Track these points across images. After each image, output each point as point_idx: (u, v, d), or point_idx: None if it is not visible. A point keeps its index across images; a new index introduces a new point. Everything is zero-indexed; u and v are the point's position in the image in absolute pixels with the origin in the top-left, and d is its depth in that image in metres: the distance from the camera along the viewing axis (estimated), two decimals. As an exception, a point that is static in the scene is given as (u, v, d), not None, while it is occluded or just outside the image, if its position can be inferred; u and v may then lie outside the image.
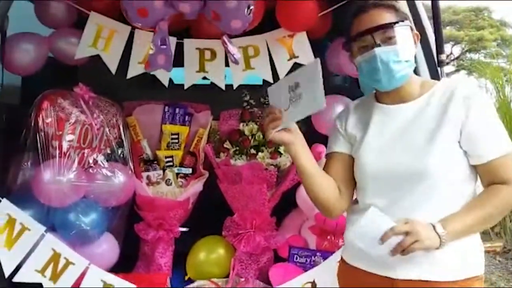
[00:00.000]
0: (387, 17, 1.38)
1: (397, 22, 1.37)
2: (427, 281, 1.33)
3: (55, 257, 1.97)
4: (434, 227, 1.28)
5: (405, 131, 1.40)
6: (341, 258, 1.53)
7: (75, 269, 1.98)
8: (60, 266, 1.98)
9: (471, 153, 1.36)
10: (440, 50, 1.98)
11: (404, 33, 1.39)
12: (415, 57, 1.92)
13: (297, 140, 1.40)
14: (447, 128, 1.35)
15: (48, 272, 1.97)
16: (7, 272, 1.93)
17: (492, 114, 1.39)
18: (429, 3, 2.09)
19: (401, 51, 1.36)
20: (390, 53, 1.36)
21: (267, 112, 1.40)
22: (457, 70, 22.74)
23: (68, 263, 1.97)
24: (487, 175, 1.37)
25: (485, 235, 5.23)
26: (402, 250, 1.25)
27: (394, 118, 1.44)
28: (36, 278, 1.97)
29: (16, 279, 1.96)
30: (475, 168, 1.38)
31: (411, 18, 1.50)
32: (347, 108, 1.57)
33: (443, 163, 1.34)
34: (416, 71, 1.95)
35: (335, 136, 1.55)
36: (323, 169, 1.55)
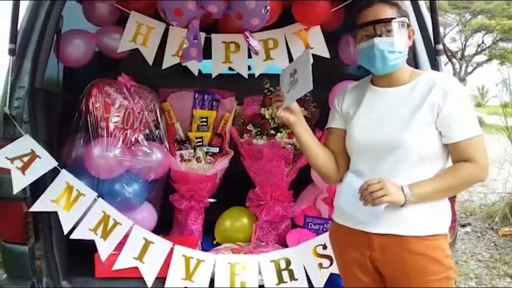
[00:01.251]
0: (389, 12, 1.59)
1: (396, 18, 1.58)
2: (396, 235, 1.55)
3: (105, 218, 2.23)
4: (402, 188, 1.51)
5: (390, 110, 1.62)
6: (332, 219, 1.78)
7: (122, 228, 2.24)
8: (109, 225, 2.23)
9: (444, 133, 1.56)
10: (437, 40, 2.17)
11: (401, 28, 1.60)
12: (416, 47, 2.21)
13: (298, 121, 1.70)
14: (426, 110, 1.55)
15: (99, 230, 2.22)
16: (65, 230, 2.18)
17: (465, 102, 1.59)
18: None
19: (396, 43, 1.57)
20: (387, 43, 1.57)
21: (273, 95, 1.70)
22: (489, 59, 22.13)
23: (116, 223, 2.23)
24: (455, 153, 1.58)
25: (505, 220, 5.37)
26: (372, 200, 1.48)
27: (383, 99, 1.65)
28: (89, 236, 2.22)
29: (73, 236, 2.20)
30: (447, 148, 1.59)
31: (410, 16, 1.70)
32: (345, 89, 1.81)
33: (417, 138, 1.54)
34: (416, 60, 2.20)
35: (333, 113, 1.80)
36: (324, 142, 1.82)
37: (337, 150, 1.75)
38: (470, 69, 23.09)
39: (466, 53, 22.95)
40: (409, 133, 1.54)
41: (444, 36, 22.59)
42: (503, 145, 5.94)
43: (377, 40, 1.57)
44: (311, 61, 1.67)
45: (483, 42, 22.38)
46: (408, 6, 2.20)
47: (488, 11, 21.17)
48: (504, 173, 5.75)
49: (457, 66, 22.87)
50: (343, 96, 1.80)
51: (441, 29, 21.77)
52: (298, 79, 1.62)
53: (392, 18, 1.58)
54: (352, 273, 1.69)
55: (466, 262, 4.25)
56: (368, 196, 1.49)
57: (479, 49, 22.58)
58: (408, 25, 1.65)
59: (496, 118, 6.13)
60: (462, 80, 22.95)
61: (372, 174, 1.58)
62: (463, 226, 5.35)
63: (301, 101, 2.77)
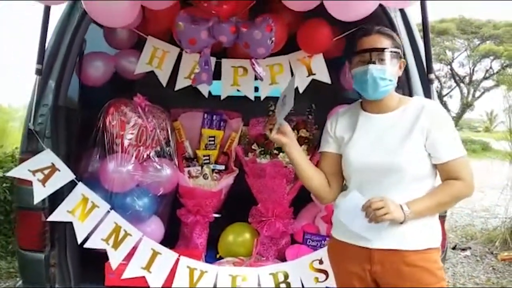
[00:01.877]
0: (384, 43, 1.73)
1: (389, 48, 1.72)
2: (395, 249, 1.69)
3: (117, 229, 2.36)
4: (401, 206, 1.63)
5: (384, 135, 1.75)
6: (331, 235, 1.91)
7: (132, 239, 2.37)
8: (120, 236, 2.36)
9: (432, 155, 1.71)
10: (429, 70, 2.32)
11: (393, 58, 1.74)
12: (410, 76, 2.36)
13: (291, 142, 1.85)
14: (416, 134, 1.69)
15: (111, 240, 2.34)
16: (79, 240, 2.30)
17: (450, 126, 1.74)
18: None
19: (388, 71, 1.71)
20: (380, 71, 1.70)
21: (267, 120, 1.85)
22: (496, 85, 22.15)
23: (126, 234, 2.36)
24: (444, 172, 1.72)
25: (505, 245, 5.43)
26: (376, 218, 1.59)
27: (376, 124, 1.79)
28: (101, 245, 2.34)
29: (86, 245, 2.32)
30: (435, 167, 1.74)
31: (402, 48, 1.83)
32: (337, 114, 1.95)
33: (411, 161, 1.69)
34: (410, 88, 2.35)
35: (325, 137, 1.94)
36: (317, 165, 1.96)
37: (330, 172, 1.88)
38: (478, 94, 23.13)
39: (474, 78, 23.02)
40: (403, 156, 1.68)
41: (453, 61, 22.73)
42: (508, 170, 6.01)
43: (371, 66, 1.71)
44: (295, 86, 1.84)
45: (491, 68, 22.45)
46: (404, 38, 2.38)
47: (496, 37, 21.33)
48: (507, 199, 5.82)
49: (465, 90, 22.93)
50: (335, 121, 1.92)
51: (450, 54, 22.07)
52: (286, 101, 1.78)
53: (386, 48, 1.72)
54: (351, 286, 1.81)
55: (463, 285, 4.33)
56: (372, 213, 1.61)
57: (487, 74, 22.64)
58: (400, 57, 1.79)
59: (504, 144, 6.22)
60: (470, 105, 22.98)
61: (369, 195, 1.69)
62: (463, 250, 5.41)
63: (303, 123, 2.94)
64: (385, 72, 1.71)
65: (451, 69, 22.96)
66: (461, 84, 23.07)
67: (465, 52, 22.61)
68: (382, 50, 1.72)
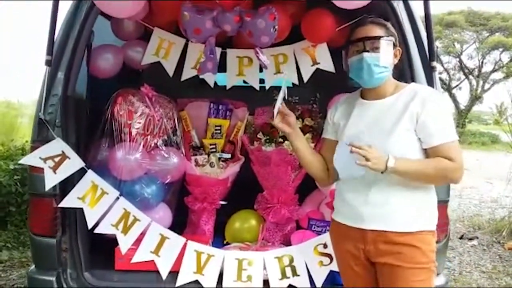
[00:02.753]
0: (378, 31, 1.79)
1: (383, 37, 1.78)
2: (387, 231, 1.74)
3: (126, 215, 2.42)
4: (388, 158, 1.65)
5: (376, 120, 1.80)
6: (332, 218, 1.98)
7: (140, 225, 2.43)
8: (129, 222, 2.42)
9: (422, 139, 1.73)
10: (432, 58, 2.34)
11: (387, 46, 1.78)
12: (413, 64, 2.38)
13: (294, 132, 1.95)
14: (406, 119, 1.73)
15: (120, 226, 2.41)
16: (90, 225, 2.36)
17: (442, 110, 1.76)
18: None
19: (382, 59, 1.77)
20: (374, 58, 1.76)
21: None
22: (506, 77, 21.98)
23: (135, 219, 2.43)
24: (434, 156, 1.73)
25: (511, 235, 5.45)
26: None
27: (370, 110, 1.85)
28: (111, 230, 2.41)
29: (97, 230, 2.39)
30: (425, 152, 1.75)
31: (396, 37, 1.86)
32: (337, 102, 2.02)
33: (400, 144, 1.71)
34: (413, 76, 2.37)
35: (326, 124, 2.03)
36: (319, 150, 2.05)
37: (329, 158, 1.92)
38: (487, 86, 22.94)
39: (483, 70, 22.83)
40: (392, 140, 1.72)
41: (461, 53, 22.55)
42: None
43: (366, 54, 1.76)
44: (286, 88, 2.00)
45: (500, 60, 22.25)
46: (406, 26, 2.41)
47: (505, 29, 21.14)
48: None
49: (474, 83, 22.76)
50: (335, 109, 2.00)
51: (458, 46, 21.90)
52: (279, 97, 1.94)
53: (380, 37, 1.78)
54: (347, 264, 1.90)
55: (469, 273, 4.36)
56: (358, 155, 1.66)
57: (496, 67, 22.44)
58: (395, 45, 1.83)
59: (512, 137, 6.22)
60: (479, 97, 22.81)
61: (368, 174, 1.74)
62: (470, 239, 5.44)
63: (308, 112, 2.99)
64: (379, 59, 1.77)
65: (460, 62, 22.79)
66: (470, 77, 22.89)
67: (474, 45, 22.43)
68: (375, 38, 1.77)
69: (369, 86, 1.84)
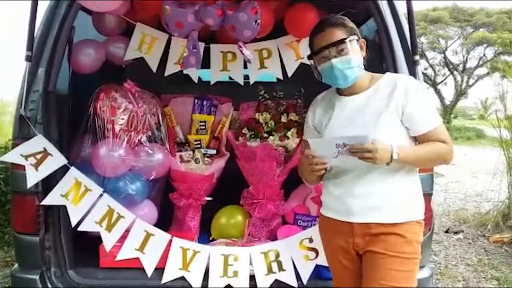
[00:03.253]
0: (338, 34, 1.75)
1: (346, 38, 1.73)
2: (375, 223, 1.74)
3: (110, 212, 2.40)
4: (392, 152, 1.64)
5: (357, 115, 1.78)
6: (320, 213, 1.97)
7: (125, 222, 2.40)
8: (114, 219, 2.39)
9: (410, 128, 1.75)
10: (414, 51, 2.33)
11: (352, 45, 1.75)
12: (396, 59, 2.37)
13: None
14: (391, 109, 1.73)
15: (104, 223, 2.38)
16: (73, 223, 2.33)
17: (425, 98, 1.79)
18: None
19: (352, 59, 1.74)
20: (344, 62, 1.73)
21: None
22: (489, 73, 22.24)
23: (119, 216, 2.40)
24: (425, 142, 1.75)
25: (497, 228, 5.50)
26: (362, 158, 1.62)
27: (350, 106, 1.82)
28: (95, 228, 2.38)
29: (80, 228, 2.36)
30: (414, 140, 1.78)
31: (357, 31, 1.83)
32: (315, 102, 1.99)
33: (386, 135, 1.69)
34: (396, 70, 2.37)
35: (307, 126, 1.99)
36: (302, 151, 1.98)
37: None
38: (471, 81, 23.19)
39: (467, 66, 23.06)
40: (378, 132, 1.70)
41: (446, 49, 22.74)
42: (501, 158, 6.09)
43: (334, 60, 1.74)
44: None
45: (484, 55, 22.48)
46: (389, 20, 2.41)
47: (489, 25, 21.34)
48: (500, 183, 5.89)
49: (459, 78, 22.98)
50: (313, 110, 1.97)
51: (443, 42, 22.09)
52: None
53: (343, 39, 1.74)
54: (336, 258, 1.89)
55: (455, 266, 4.40)
56: (358, 154, 1.63)
57: (480, 62, 22.68)
58: (358, 38, 1.80)
59: (498, 131, 6.29)
60: (464, 92, 23.04)
61: (349, 174, 1.76)
62: (456, 233, 5.49)
63: (292, 107, 2.99)
64: (350, 62, 1.75)
65: (445, 57, 22.97)
66: (455, 72, 23.11)
67: (458, 40, 22.62)
68: (339, 42, 1.74)
69: (345, 86, 1.82)
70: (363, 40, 1.85)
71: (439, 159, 1.79)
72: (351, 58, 1.75)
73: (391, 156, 1.65)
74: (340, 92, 1.89)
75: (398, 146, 1.68)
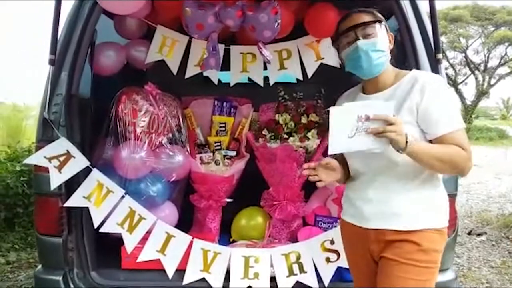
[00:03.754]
0: (366, 18, 1.69)
1: (374, 22, 1.67)
2: (389, 229, 1.66)
3: (131, 213, 2.41)
4: (407, 135, 1.50)
5: None
6: (340, 217, 1.92)
7: (146, 223, 2.42)
8: (135, 220, 2.41)
9: (425, 130, 1.61)
10: (437, 50, 2.30)
11: (379, 30, 1.68)
12: (419, 57, 2.33)
13: (339, 172, 1.76)
14: (407, 110, 1.61)
15: (126, 225, 2.40)
16: (96, 224, 2.36)
17: (445, 97, 1.62)
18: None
19: (378, 43, 1.65)
20: (369, 44, 1.65)
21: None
22: (511, 72, 21.84)
23: (141, 218, 2.42)
24: None
25: (521, 231, 5.41)
26: (380, 132, 1.48)
27: None
28: (117, 229, 2.40)
29: (102, 230, 2.38)
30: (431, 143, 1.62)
31: (386, 24, 1.75)
32: (341, 98, 1.93)
33: None
34: (419, 69, 2.33)
35: None
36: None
37: (341, 158, 1.82)
38: (493, 81, 22.79)
39: (489, 65, 22.69)
40: None
41: (467, 48, 22.43)
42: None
43: (359, 42, 1.65)
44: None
45: (506, 54, 22.08)
46: (411, 19, 2.38)
47: (511, 23, 20.97)
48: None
49: (480, 78, 22.63)
50: (340, 105, 1.83)
51: (464, 41, 21.79)
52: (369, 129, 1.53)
53: (371, 21, 1.68)
54: (356, 263, 1.87)
55: (478, 269, 4.32)
56: (379, 128, 1.50)
57: (502, 61, 22.28)
58: (387, 30, 1.73)
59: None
60: (485, 92, 22.68)
61: (368, 171, 1.71)
62: (479, 235, 5.40)
63: (313, 108, 2.97)
64: (375, 44, 1.66)
65: (466, 57, 22.64)
66: (476, 72, 22.76)
67: (479, 39, 22.28)
68: (367, 23, 1.67)
69: (370, 76, 1.72)
70: (392, 34, 1.77)
71: (451, 163, 1.59)
72: (377, 41, 1.66)
73: (406, 137, 1.51)
74: (364, 89, 1.81)
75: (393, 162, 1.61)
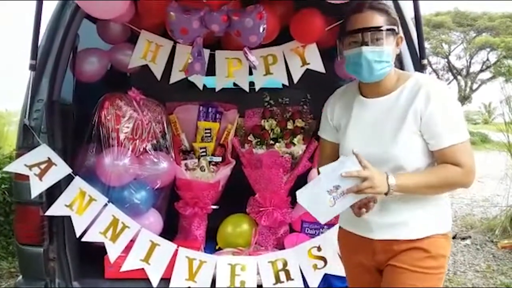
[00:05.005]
0: (379, 20, 1.55)
1: (385, 26, 1.55)
2: (396, 240, 1.60)
3: (115, 222, 2.37)
4: (387, 177, 1.46)
5: (378, 122, 1.61)
6: (340, 226, 1.85)
7: (130, 232, 2.38)
8: (118, 229, 2.37)
9: (428, 140, 1.55)
10: (422, 55, 2.30)
11: (389, 36, 1.57)
12: (403, 61, 2.31)
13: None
14: (410, 119, 1.54)
15: (109, 233, 2.36)
16: (78, 233, 2.31)
17: (449, 106, 1.54)
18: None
19: (384, 53, 1.55)
20: (374, 53, 1.54)
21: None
22: (493, 77, 22.19)
23: (124, 226, 2.38)
24: (441, 159, 1.56)
25: (505, 233, 5.44)
26: (356, 191, 1.44)
27: (370, 110, 1.65)
28: (99, 238, 2.35)
29: (85, 239, 2.33)
30: (434, 155, 1.57)
31: (399, 22, 1.65)
32: (335, 95, 1.84)
33: (406, 149, 1.54)
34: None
35: (324, 123, 1.85)
36: (319, 152, 1.90)
37: (330, 160, 1.67)
38: (475, 86, 23.16)
39: (471, 70, 23.06)
40: (397, 146, 1.55)
41: (449, 54, 22.77)
42: (508, 162, 6.02)
43: (364, 49, 1.54)
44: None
45: (487, 60, 22.48)
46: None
47: (492, 29, 21.35)
48: (507, 188, 5.83)
49: (462, 83, 22.98)
50: (333, 105, 1.81)
51: (446, 47, 22.12)
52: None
53: (381, 27, 1.55)
54: (356, 274, 1.79)
55: (464, 273, 4.34)
56: (353, 186, 1.46)
57: (484, 66, 22.67)
58: (397, 32, 1.61)
59: (503, 135, 6.24)
60: (468, 97, 23.01)
61: None
62: (463, 239, 5.43)
63: (298, 113, 2.96)
64: (381, 54, 1.55)
65: (448, 62, 23.01)
66: (458, 77, 23.12)
67: (461, 45, 22.65)
68: (377, 29, 1.55)
69: (369, 81, 1.63)
70: (401, 36, 1.66)
71: (447, 185, 1.56)
72: (384, 51, 1.56)
73: (387, 179, 1.47)
74: (362, 90, 1.71)
75: (395, 172, 1.53)
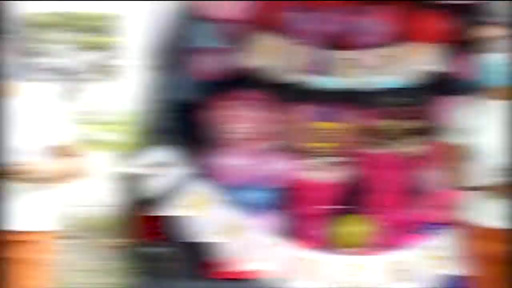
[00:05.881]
0: None
1: None
2: None
3: (232, 222, 2.46)
4: None
5: None
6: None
7: (247, 232, 2.49)
8: (236, 229, 2.45)
9: None
10: None
11: None
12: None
13: None
14: None
15: (227, 234, 2.44)
16: (195, 234, 2.42)
17: None
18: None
19: None
20: None
21: None
22: (99, 79, 19.27)
23: (241, 227, 2.46)
24: None
25: (112, 233, 4.58)
26: None
27: None
28: (216, 239, 2.43)
29: (201, 239, 2.42)
30: None
31: None
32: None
33: None
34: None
35: None
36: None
37: None
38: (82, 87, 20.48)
39: (76, 71, 20.77)
40: None
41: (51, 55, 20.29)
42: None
43: None
44: None
45: (96, 61, 20.31)
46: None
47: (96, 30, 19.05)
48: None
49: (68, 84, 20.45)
50: None
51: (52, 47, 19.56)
52: None
53: None
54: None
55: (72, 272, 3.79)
56: None
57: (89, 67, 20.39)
58: None
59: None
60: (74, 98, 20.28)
61: None
62: (71, 238, 4.63)
63: (416, 114, 2.88)
64: None
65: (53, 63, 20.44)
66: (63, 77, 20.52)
67: (66, 46, 20.19)
68: None
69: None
70: None
71: None
72: None
73: None
74: None
75: None
